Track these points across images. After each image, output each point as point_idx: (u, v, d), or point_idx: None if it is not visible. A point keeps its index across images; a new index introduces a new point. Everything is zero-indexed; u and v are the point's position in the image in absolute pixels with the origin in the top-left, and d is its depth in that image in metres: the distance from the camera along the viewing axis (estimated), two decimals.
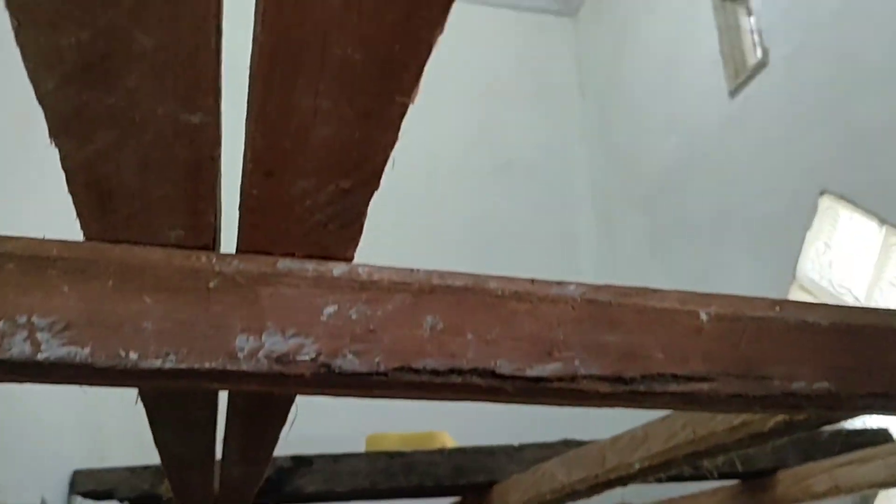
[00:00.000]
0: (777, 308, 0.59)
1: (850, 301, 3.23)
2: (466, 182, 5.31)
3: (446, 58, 4.46)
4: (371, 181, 0.56)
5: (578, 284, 0.55)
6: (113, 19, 0.38)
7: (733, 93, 3.99)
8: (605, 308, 0.55)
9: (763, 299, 0.59)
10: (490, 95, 5.59)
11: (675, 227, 4.47)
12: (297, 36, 0.44)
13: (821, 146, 3.30)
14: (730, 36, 4.12)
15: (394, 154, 0.52)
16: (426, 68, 0.52)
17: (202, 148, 0.46)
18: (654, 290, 0.56)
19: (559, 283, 0.55)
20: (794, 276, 3.46)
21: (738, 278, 3.78)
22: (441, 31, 0.47)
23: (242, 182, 0.53)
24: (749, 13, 4.06)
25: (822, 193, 3.32)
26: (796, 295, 3.42)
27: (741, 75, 3.95)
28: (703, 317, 0.56)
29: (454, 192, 5.26)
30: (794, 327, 0.59)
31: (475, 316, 0.52)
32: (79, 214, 0.50)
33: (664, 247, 4.58)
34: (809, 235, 3.40)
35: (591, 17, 5.71)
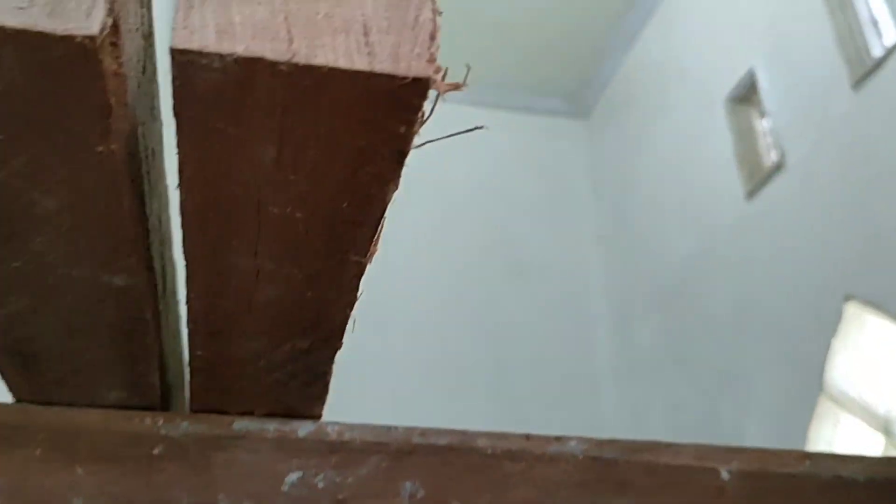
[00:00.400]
0: (807, 462, 0.52)
1: (881, 413, 3.10)
2: (478, 286, 5.26)
3: (457, 161, 4.53)
4: (332, 340, 0.50)
5: (580, 440, 0.49)
6: (5, 180, 0.34)
7: (750, 195, 3.96)
8: (612, 467, 0.48)
9: (791, 452, 0.52)
10: (502, 198, 5.60)
11: (694, 329, 4.37)
12: (227, 195, 0.40)
13: (843, 249, 3.23)
14: (744, 138, 4.12)
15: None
16: (383, 223, 0.47)
17: (130, 310, 0.41)
18: (667, 445, 0.50)
19: (558, 439, 0.48)
20: (822, 387, 3.33)
21: (762, 384, 3.66)
22: (395, 186, 0.42)
23: (189, 340, 0.49)
24: (763, 115, 4.07)
25: (847, 299, 3.23)
26: (825, 406, 3.29)
27: (757, 177, 3.93)
28: (725, 475, 0.49)
29: (465, 296, 5.20)
30: (827, 484, 0.52)
31: (461, 481, 0.45)
32: (3, 376, 0.44)
33: (683, 350, 4.47)
34: (836, 343, 3.28)
35: (604, 120, 5.76)
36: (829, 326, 3.30)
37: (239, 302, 0.46)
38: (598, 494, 0.47)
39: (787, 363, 3.58)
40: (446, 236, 5.31)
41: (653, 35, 5.15)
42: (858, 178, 3.20)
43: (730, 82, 4.21)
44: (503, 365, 5.11)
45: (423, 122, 0.40)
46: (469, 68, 0.51)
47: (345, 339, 0.45)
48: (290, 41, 0.37)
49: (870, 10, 3.31)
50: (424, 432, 0.46)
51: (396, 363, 4.75)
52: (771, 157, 3.89)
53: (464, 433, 0.47)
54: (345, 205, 0.42)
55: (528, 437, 0.48)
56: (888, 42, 3.15)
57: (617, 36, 5.41)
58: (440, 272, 5.19)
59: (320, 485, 0.44)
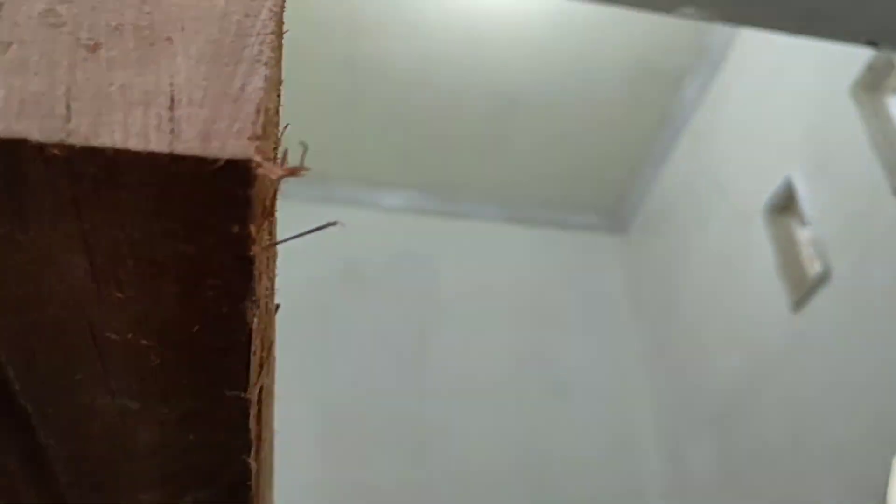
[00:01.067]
0: None
1: None
2: (515, 407, 5.02)
3: (490, 277, 4.36)
4: (239, 491, 0.45)
5: None
6: None
7: (796, 307, 3.73)
8: None
9: None
10: (539, 316, 5.42)
11: (748, 453, 4.06)
12: (50, 319, 0.34)
13: None
14: (786, 249, 3.93)
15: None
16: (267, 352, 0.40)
17: None
18: None
19: None
20: None
21: None
22: (255, 305, 0.33)
23: (68, 496, 0.45)
24: (804, 225, 3.89)
25: None
26: None
27: (802, 289, 3.71)
28: None
29: (502, 418, 4.96)
30: None
31: None
32: None
33: (737, 476, 4.15)
34: None
35: (642, 235, 5.62)
36: (890, 444, 3.01)
37: (113, 448, 0.42)
38: None
39: (849, 491, 3.26)
40: (482, 356, 5.12)
41: (686, 149, 5.07)
42: None
43: (767, 193, 4.06)
44: (544, 491, 4.80)
45: (268, 217, 0.33)
46: (306, 147, 0.39)
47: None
48: (68, 118, 0.30)
49: None
50: None
51: (430, 487, 4.50)
52: (815, 268, 3.68)
53: None
54: (195, 328, 0.34)
55: None
56: None
57: (651, 151, 5.34)
58: (475, 393, 4.98)
59: None
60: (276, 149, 0.38)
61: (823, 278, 3.54)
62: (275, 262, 0.42)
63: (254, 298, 0.33)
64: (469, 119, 4.81)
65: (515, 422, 5.00)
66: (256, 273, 0.32)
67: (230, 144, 0.29)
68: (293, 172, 0.32)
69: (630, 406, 5.26)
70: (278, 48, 0.33)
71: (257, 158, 0.29)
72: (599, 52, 4.55)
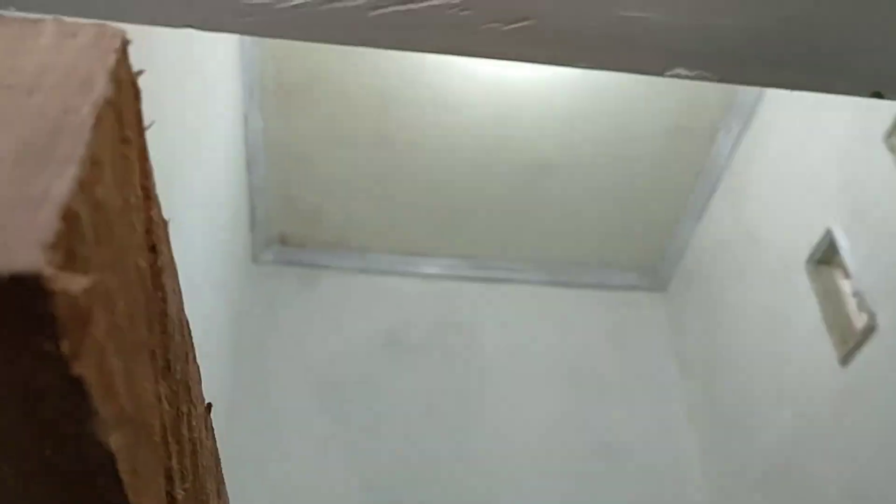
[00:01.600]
0: None
1: None
2: (561, 471, 4.92)
3: (533, 341, 4.34)
4: None
5: None
6: None
7: (844, 360, 3.62)
8: None
9: None
10: (583, 377, 5.35)
11: None
12: None
13: None
14: (831, 300, 3.84)
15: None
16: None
17: None
18: None
19: None
20: None
21: None
22: (111, 423, 0.31)
23: None
24: (847, 276, 3.80)
25: None
26: None
27: (850, 341, 3.61)
28: None
29: (548, 482, 4.86)
30: None
31: None
32: None
33: None
34: None
35: (682, 291, 5.55)
36: None
37: None
38: None
39: None
40: (526, 421, 5.05)
41: (722, 204, 5.03)
42: None
43: (807, 245, 3.99)
44: None
45: (83, 329, 0.29)
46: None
47: None
48: None
49: None
50: None
51: None
52: (861, 319, 3.59)
53: None
54: (48, 452, 0.31)
55: None
56: None
57: (687, 207, 5.31)
58: (521, 458, 4.90)
59: None
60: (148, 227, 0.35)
61: (869, 330, 3.45)
62: (187, 362, 0.40)
63: (103, 418, 0.29)
64: (502, 185, 4.85)
65: (562, 485, 4.90)
66: (98, 391, 0.29)
67: (19, 256, 0.26)
68: (91, 288, 0.28)
69: (678, 467, 5.11)
70: (108, 144, 0.31)
71: (48, 271, 0.26)
72: (630, 113, 4.58)
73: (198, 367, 0.49)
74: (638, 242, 5.59)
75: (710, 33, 1.11)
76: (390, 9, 1.12)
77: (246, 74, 3.92)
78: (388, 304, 5.05)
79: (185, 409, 0.41)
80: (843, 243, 3.70)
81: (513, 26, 1.14)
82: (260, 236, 4.72)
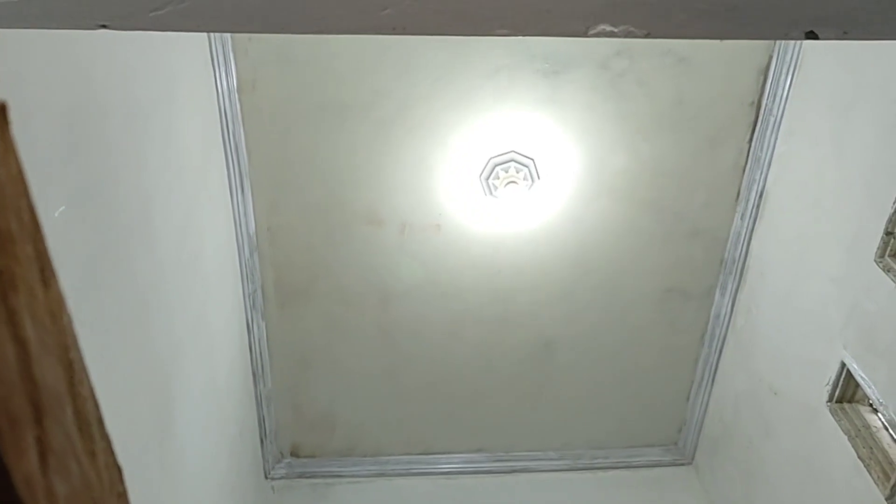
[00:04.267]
0: None
1: None
2: None
3: None
4: None
5: None
6: None
7: (891, 497, 3.44)
8: None
9: None
10: None
11: None
12: None
13: None
14: (862, 438, 3.70)
15: None
16: None
17: None
18: None
19: None
20: None
21: None
22: None
23: None
24: (874, 410, 3.70)
25: None
26: None
27: (892, 475, 3.44)
28: None
29: None
30: None
31: None
32: None
33: None
34: None
35: (709, 459, 5.35)
36: None
37: None
38: None
39: None
40: None
41: (732, 361, 4.98)
42: None
43: (826, 385, 3.92)
44: None
45: None
46: None
47: None
48: None
49: None
50: None
51: None
52: None
53: None
54: None
55: None
56: None
57: (697, 372, 5.25)
58: None
59: None
60: None
61: None
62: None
63: None
64: (509, 367, 4.82)
65: None
66: None
67: None
68: None
69: None
70: None
71: None
72: (623, 283, 4.66)
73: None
74: (655, 416, 5.47)
75: None
76: None
77: (247, 283, 4.01)
78: None
79: None
80: (860, 375, 3.64)
81: None
82: (271, 450, 4.60)
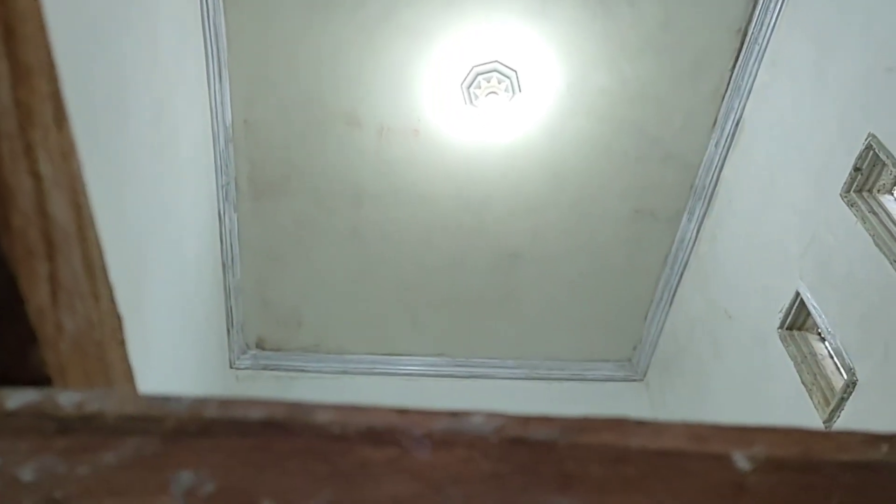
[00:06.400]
0: (884, 447, 0.32)
1: None
2: None
3: None
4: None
5: (491, 415, 0.30)
6: None
7: (828, 421, 3.62)
8: (547, 453, 0.29)
9: (854, 434, 0.33)
10: None
11: None
12: None
13: None
14: (808, 364, 3.87)
15: None
16: None
17: None
18: (642, 422, 0.31)
19: (454, 415, 0.30)
20: None
21: None
22: None
23: None
24: (821, 338, 3.86)
25: None
26: None
27: (832, 401, 3.62)
28: (742, 463, 0.30)
29: None
30: None
31: (284, 470, 0.27)
32: None
33: None
34: None
35: (660, 377, 5.54)
36: None
37: None
38: (522, 490, 0.27)
39: None
40: None
41: (691, 285, 5.11)
42: None
43: (779, 312, 4.06)
44: None
45: None
46: None
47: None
48: None
49: None
50: (228, 404, 0.29)
51: None
52: (841, 377, 3.61)
53: (295, 405, 0.29)
54: None
55: (402, 411, 0.30)
56: None
57: (658, 292, 5.38)
58: None
59: (26, 477, 0.26)
60: None
61: (850, 386, 3.47)
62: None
63: None
64: (475, 276, 4.90)
65: None
66: None
67: None
68: None
69: None
70: None
71: None
72: (594, 201, 4.71)
73: None
74: (612, 332, 5.61)
75: None
76: None
77: (220, 174, 4.00)
78: (367, 403, 4.97)
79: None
80: (812, 305, 3.77)
81: None
82: (237, 340, 4.68)
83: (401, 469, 0.28)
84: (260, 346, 4.87)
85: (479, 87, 4.08)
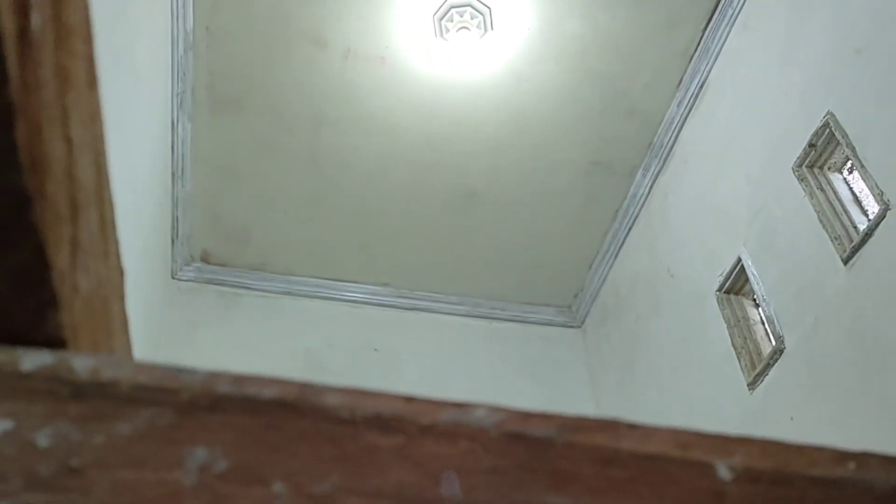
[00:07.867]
0: (851, 465, 0.34)
1: None
2: None
3: (452, 370, 4.35)
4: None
5: (495, 409, 0.32)
6: None
7: (752, 385, 3.77)
8: (544, 450, 0.30)
9: (824, 450, 0.35)
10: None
11: None
12: None
13: (857, 429, 3.01)
14: (740, 328, 4.00)
15: None
16: None
17: None
18: (633, 425, 0.33)
19: (459, 406, 0.31)
20: None
21: None
22: None
23: None
24: (756, 304, 3.98)
25: None
26: None
27: (758, 366, 3.76)
28: (723, 472, 0.32)
29: None
30: (881, 498, 0.34)
31: (293, 452, 0.28)
32: None
33: None
34: None
35: (599, 327, 5.67)
36: None
37: None
38: (518, 486, 0.29)
39: None
40: None
41: (639, 240, 5.20)
42: (862, 352, 3.04)
43: (719, 275, 4.17)
44: None
45: None
46: None
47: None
48: None
49: (849, 187, 3.32)
50: (241, 380, 0.29)
51: None
52: (770, 344, 3.75)
53: (305, 386, 0.30)
54: None
55: (409, 399, 0.31)
56: (872, 213, 3.13)
57: (605, 244, 5.46)
58: None
59: (42, 443, 0.27)
60: None
61: (777, 353, 3.60)
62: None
63: None
64: (430, 211, 4.90)
65: None
66: None
67: None
68: None
69: None
70: None
71: None
72: (553, 149, 4.72)
73: None
74: (556, 279, 5.70)
75: None
76: None
77: (177, 81, 3.89)
78: (310, 327, 5.00)
79: None
80: (752, 271, 3.88)
81: None
82: (181, 251, 4.63)
83: (406, 457, 0.29)
84: (205, 259, 4.82)
85: (452, 21, 4.01)
